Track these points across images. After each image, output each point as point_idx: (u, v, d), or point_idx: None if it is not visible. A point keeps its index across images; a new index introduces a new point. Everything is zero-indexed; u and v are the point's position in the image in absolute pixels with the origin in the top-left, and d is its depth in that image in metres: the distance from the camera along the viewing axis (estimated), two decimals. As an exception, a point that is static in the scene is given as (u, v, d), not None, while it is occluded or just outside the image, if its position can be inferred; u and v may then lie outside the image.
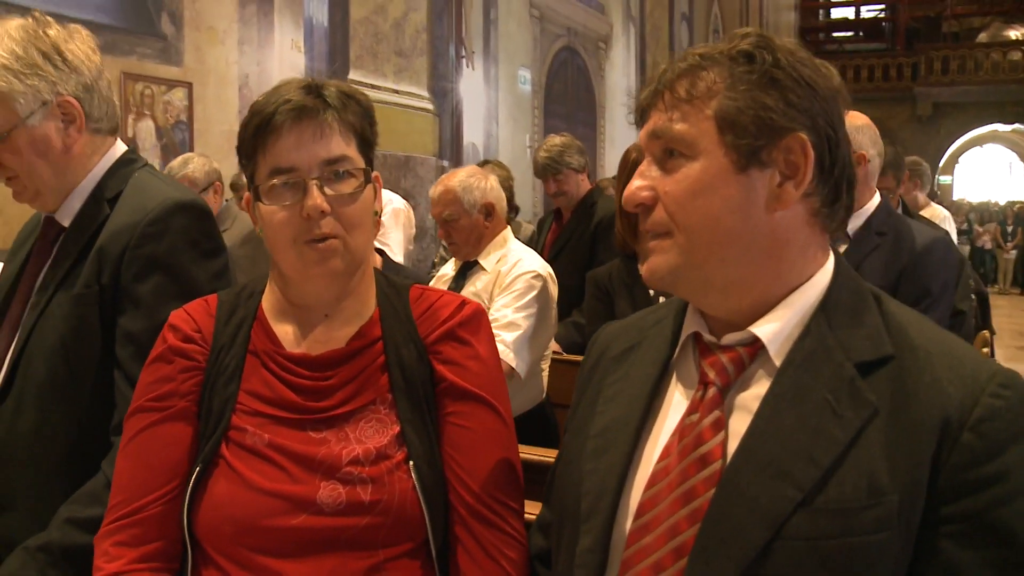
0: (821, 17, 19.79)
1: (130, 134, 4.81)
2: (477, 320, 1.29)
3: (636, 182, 0.96)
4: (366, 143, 1.25)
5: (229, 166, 5.03)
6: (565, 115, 9.11)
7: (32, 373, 1.50)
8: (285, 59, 5.71)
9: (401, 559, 1.19)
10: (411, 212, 4.63)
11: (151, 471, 1.22)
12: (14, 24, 1.50)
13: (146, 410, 1.25)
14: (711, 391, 0.94)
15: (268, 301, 1.29)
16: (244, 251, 3.62)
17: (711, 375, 0.95)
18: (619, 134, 10.23)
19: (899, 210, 3.46)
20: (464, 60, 7.53)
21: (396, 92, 6.70)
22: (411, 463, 1.19)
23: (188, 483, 1.19)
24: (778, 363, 0.93)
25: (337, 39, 6.15)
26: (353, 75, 6.29)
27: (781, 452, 0.88)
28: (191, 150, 5.08)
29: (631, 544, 0.94)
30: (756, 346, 0.94)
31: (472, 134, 7.47)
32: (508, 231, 2.97)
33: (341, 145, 1.20)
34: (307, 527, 1.16)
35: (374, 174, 1.26)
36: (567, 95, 9.17)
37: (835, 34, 20.46)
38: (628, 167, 2.61)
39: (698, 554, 0.89)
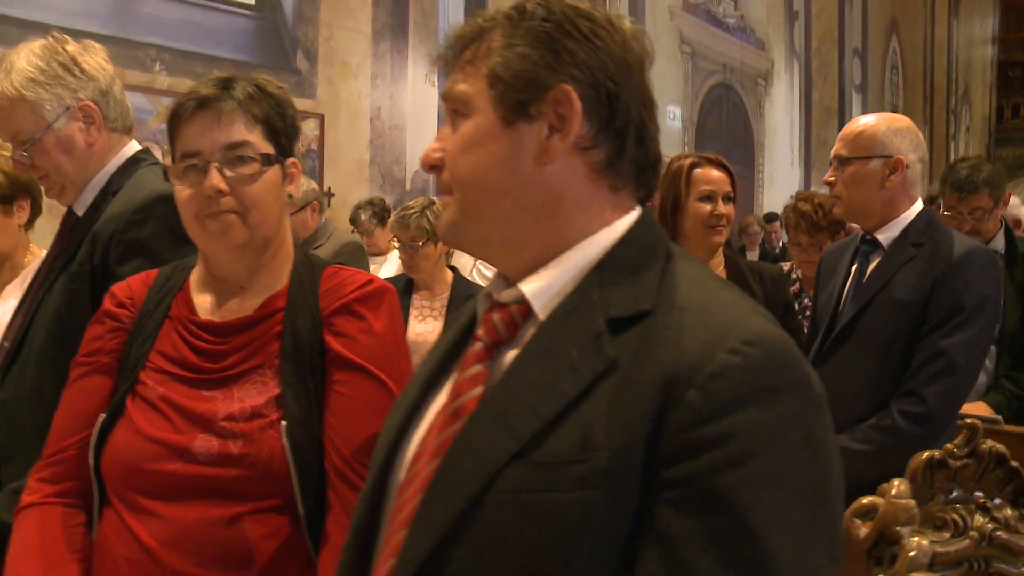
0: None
1: (263, 161, 5.12)
2: (379, 297, 1.41)
3: (432, 144, 0.96)
4: (275, 132, 1.38)
5: (359, 193, 5.28)
6: (719, 152, 8.81)
7: (34, 340, 1.73)
8: (418, 92, 5.93)
9: (265, 514, 1.28)
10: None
11: (74, 417, 1.39)
12: (37, 44, 1.78)
13: (79, 364, 1.43)
14: (477, 346, 0.93)
15: (195, 274, 1.44)
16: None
17: (480, 332, 0.94)
18: (780, 173, 9.87)
19: (1002, 232, 3.12)
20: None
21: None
22: (283, 424, 1.28)
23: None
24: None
25: (472, 74, 6.32)
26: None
27: (513, 405, 0.85)
28: (321, 177, 5.36)
29: (398, 497, 0.93)
30: (527, 304, 0.90)
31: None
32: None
33: (242, 131, 1.33)
34: (182, 473, 1.27)
35: (289, 160, 1.40)
36: (721, 132, 8.96)
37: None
38: (670, 175, 2.52)
39: (423, 505, 0.87)
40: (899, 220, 2.18)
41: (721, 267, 2.52)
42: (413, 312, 3.36)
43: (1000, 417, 2.79)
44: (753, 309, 0.87)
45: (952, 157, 14.88)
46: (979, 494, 1.75)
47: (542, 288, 0.90)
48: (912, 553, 1.15)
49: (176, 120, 1.36)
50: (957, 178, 3.08)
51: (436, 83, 6.08)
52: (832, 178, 2.25)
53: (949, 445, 1.73)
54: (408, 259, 3.34)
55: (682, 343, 0.81)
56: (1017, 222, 4.60)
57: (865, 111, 11.96)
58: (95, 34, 4.42)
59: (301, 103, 5.30)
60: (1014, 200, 4.73)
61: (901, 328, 2.08)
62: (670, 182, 2.50)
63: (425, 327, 3.32)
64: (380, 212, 4.55)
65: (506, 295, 0.93)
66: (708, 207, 2.43)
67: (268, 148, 1.36)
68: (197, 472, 1.27)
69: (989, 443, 1.72)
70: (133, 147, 1.90)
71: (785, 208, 3.78)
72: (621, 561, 0.79)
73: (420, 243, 3.28)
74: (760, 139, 9.64)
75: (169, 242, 1.65)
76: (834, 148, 2.27)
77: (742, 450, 0.77)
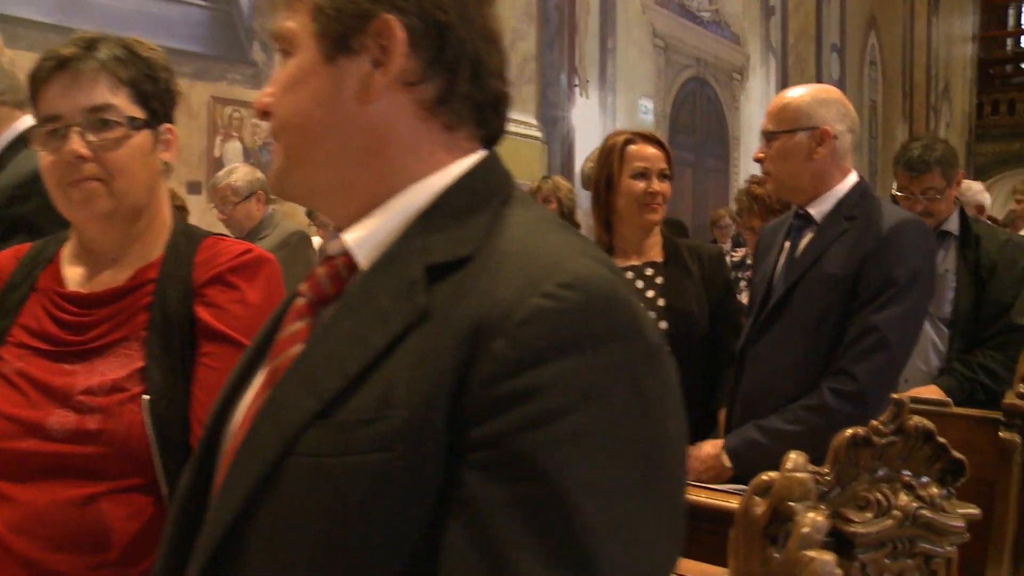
0: (1010, 47, 18.32)
1: (217, 154, 5.04)
2: (255, 267, 1.35)
3: (265, 88, 0.89)
4: (145, 96, 1.32)
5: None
6: (693, 146, 8.83)
7: None
8: (380, 85, 5.85)
9: (126, 494, 1.22)
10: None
11: None
12: None
13: None
14: (299, 302, 0.87)
15: (68, 246, 1.39)
16: (280, 255, 3.66)
17: (304, 287, 0.87)
18: (756, 167, 9.76)
19: (956, 214, 3.05)
20: (577, 89, 7.46)
21: (501, 120, 6.71)
22: (145, 398, 1.23)
23: None
24: None
25: (436, 66, 6.24)
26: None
27: (321, 362, 0.77)
28: (278, 170, 5.28)
29: (220, 467, 0.86)
30: (351, 255, 0.84)
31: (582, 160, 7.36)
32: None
33: (105, 94, 1.28)
34: (35, 451, 1.21)
35: (163, 126, 1.35)
36: (695, 126, 8.90)
37: (1025, 67, 18.92)
38: (604, 153, 2.45)
39: (229, 471, 0.80)
40: (831, 193, 2.11)
41: (658, 247, 2.44)
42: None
43: (950, 400, 2.72)
44: (582, 251, 0.77)
45: (932, 153, 14.87)
46: (907, 472, 1.68)
47: (364, 237, 0.83)
48: (805, 529, 1.07)
49: (35, 82, 1.30)
50: (909, 158, 3.02)
51: (399, 75, 5.99)
52: (761, 155, 2.17)
53: (874, 422, 1.65)
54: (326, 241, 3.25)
55: (495, 289, 0.72)
56: (980, 208, 4.56)
57: (843, 106, 11.96)
58: (36, 22, 4.33)
59: (257, 95, 5.21)
60: (976, 186, 4.69)
61: (832, 304, 2.00)
62: (604, 159, 2.43)
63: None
64: None
65: (332, 247, 0.86)
66: (642, 184, 2.36)
67: (137, 112, 1.30)
68: (51, 450, 1.21)
69: (916, 419, 1.65)
70: (26, 122, 1.84)
71: (739, 192, 3.69)
72: (428, 531, 0.70)
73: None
74: (735, 133, 9.58)
75: (53, 217, 1.59)
76: (761, 124, 2.20)
77: (552, 406, 0.68)
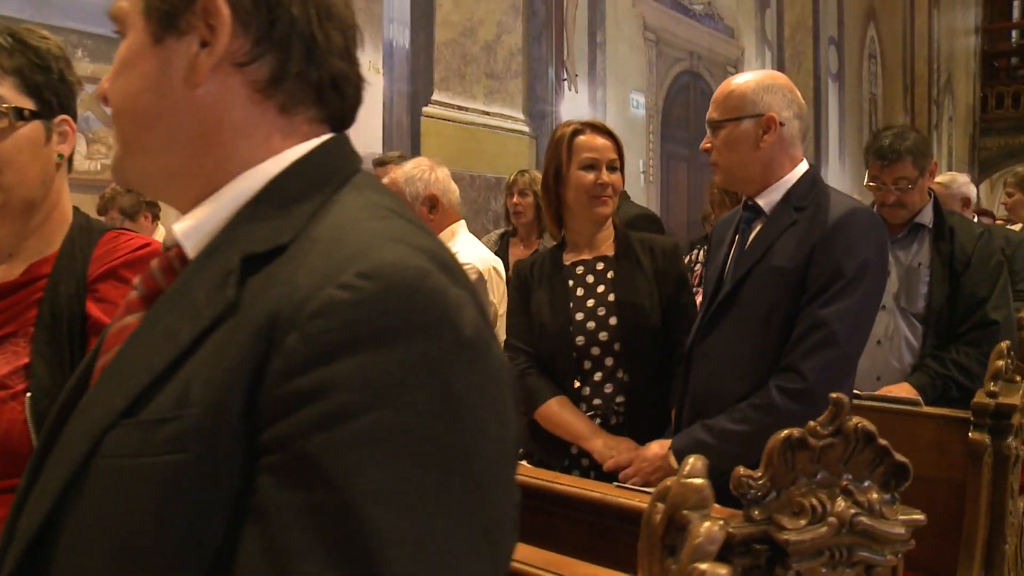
0: (1015, 39, 18.11)
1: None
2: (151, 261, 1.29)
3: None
4: (35, 86, 1.29)
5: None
6: (687, 140, 8.73)
7: None
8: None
9: (6, 495, 1.10)
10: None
11: None
12: None
13: None
14: (131, 296, 0.84)
15: None
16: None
17: (136, 279, 0.85)
18: (752, 162, 9.67)
19: (930, 206, 2.96)
20: (566, 83, 7.37)
21: (487, 114, 6.63)
22: (28, 395, 1.20)
23: None
24: None
25: (420, 61, 6.17)
26: (438, 96, 6.28)
27: (133, 358, 0.74)
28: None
29: None
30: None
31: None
32: (460, 225, 2.78)
33: None
34: None
35: (60, 118, 1.32)
36: (689, 120, 8.79)
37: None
38: (553, 144, 2.37)
39: (43, 474, 0.77)
40: (780, 183, 2.02)
41: (610, 240, 2.36)
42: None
43: (919, 399, 2.63)
44: (401, 239, 0.71)
45: (936, 147, 14.73)
46: (848, 476, 1.60)
47: (193, 227, 0.79)
48: (697, 540, 0.99)
49: None
50: (880, 146, 2.93)
51: (381, 70, 5.91)
52: (708, 144, 2.09)
53: (812, 423, 1.57)
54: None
55: (295, 279, 0.67)
56: (966, 200, 4.46)
57: (842, 99, 11.81)
58: (8, 18, 4.26)
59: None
60: (962, 178, 4.58)
61: (781, 298, 1.92)
62: (552, 151, 2.35)
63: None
64: None
65: (167, 238, 0.83)
66: (591, 176, 2.28)
67: (25, 103, 1.28)
68: None
69: (856, 420, 1.56)
70: None
71: (710, 184, 3.60)
72: (230, 539, 0.65)
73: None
74: (731, 128, 9.46)
75: None
76: (708, 114, 2.12)
77: (342, 406, 0.62)
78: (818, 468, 1.56)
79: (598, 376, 2.25)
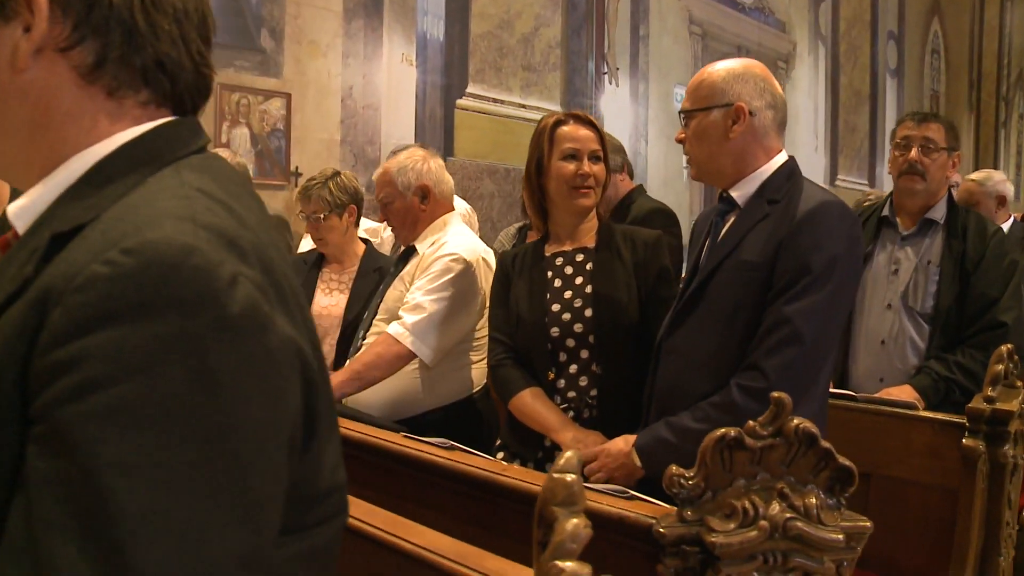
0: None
1: (224, 140, 5.05)
2: None
3: None
4: None
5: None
6: (732, 137, 8.57)
7: None
8: (394, 71, 5.79)
9: None
10: (473, 216, 4.48)
11: None
12: None
13: None
14: None
15: None
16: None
17: None
18: (803, 159, 9.41)
19: (944, 201, 2.85)
20: (606, 76, 7.31)
21: (523, 107, 6.61)
22: None
23: None
24: None
25: (455, 53, 6.17)
26: (472, 88, 6.28)
27: None
28: (287, 157, 5.27)
29: None
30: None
31: (612, 153, 7.22)
32: (452, 216, 2.76)
33: None
34: None
35: None
36: (735, 116, 8.62)
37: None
38: (535, 135, 2.34)
39: None
40: (755, 175, 1.96)
41: (593, 232, 2.32)
42: (320, 285, 3.23)
43: (916, 402, 2.54)
44: (186, 216, 0.72)
45: (1001, 145, 14.21)
46: (790, 479, 1.55)
47: (24, 207, 0.82)
48: (559, 538, 0.96)
49: None
50: (914, 112, 2.94)
51: (414, 62, 5.93)
52: (682, 135, 2.04)
53: (751, 423, 1.53)
54: (313, 232, 3.21)
55: (75, 255, 0.69)
56: (1002, 199, 4.29)
57: (900, 96, 11.48)
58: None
59: (266, 82, 5.21)
60: (998, 175, 4.41)
61: (748, 294, 1.86)
62: (535, 142, 2.33)
63: (330, 300, 3.18)
64: None
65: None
66: (572, 167, 2.24)
67: None
68: None
69: (797, 421, 1.52)
70: None
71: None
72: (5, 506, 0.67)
73: (322, 215, 3.14)
74: (780, 124, 9.25)
75: None
76: (681, 104, 2.07)
77: (92, 377, 0.64)
78: (757, 470, 1.51)
79: (573, 368, 2.21)
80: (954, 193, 4.59)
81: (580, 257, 2.29)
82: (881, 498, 2.50)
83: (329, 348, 3.13)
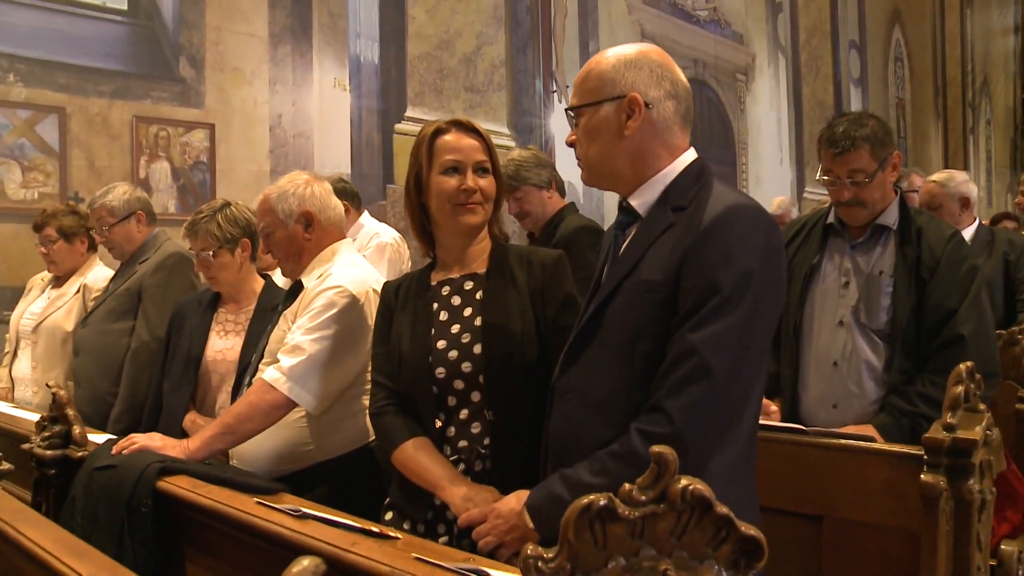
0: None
1: (142, 175, 4.74)
2: None
3: None
4: None
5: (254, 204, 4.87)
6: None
7: None
8: (326, 97, 5.51)
9: None
10: (403, 246, 4.18)
11: None
12: None
13: None
14: None
15: None
16: (155, 279, 3.33)
17: None
18: (767, 172, 9.24)
19: (895, 204, 2.56)
20: (555, 94, 7.05)
21: (469, 130, 6.32)
22: None
23: None
24: None
25: (391, 76, 5.90)
26: (412, 112, 6.01)
27: None
28: (212, 190, 4.97)
29: None
30: None
31: (567, 171, 6.95)
32: (342, 244, 2.45)
33: None
34: None
35: None
36: (696, 130, 8.32)
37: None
38: (414, 147, 2.05)
39: None
40: (657, 179, 1.66)
41: (485, 255, 2.02)
42: (215, 327, 2.91)
43: (874, 436, 2.23)
44: None
45: (971, 151, 14.08)
46: (683, 554, 1.23)
47: None
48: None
49: None
50: (832, 134, 2.53)
51: (348, 87, 5.65)
52: (572, 138, 1.74)
53: (627, 486, 1.21)
54: (204, 271, 2.89)
55: None
56: (965, 201, 4.03)
57: (866, 104, 11.29)
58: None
59: (187, 113, 4.92)
60: (960, 176, 4.15)
61: (649, 319, 1.56)
62: (413, 155, 2.03)
63: (225, 343, 2.86)
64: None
65: None
66: (454, 181, 1.94)
67: None
68: None
69: (685, 482, 1.20)
70: None
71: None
72: None
73: (211, 252, 2.82)
74: (742, 137, 9.04)
75: None
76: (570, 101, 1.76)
77: None
78: (640, 544, 1.19)
79: (464, 414, 1.90)
80: (914, 198, 4.34)
81: (469, 285, 1.99)
82: (835, 543, 2.19)
83: (225, 396, 2.81)
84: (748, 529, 1.18)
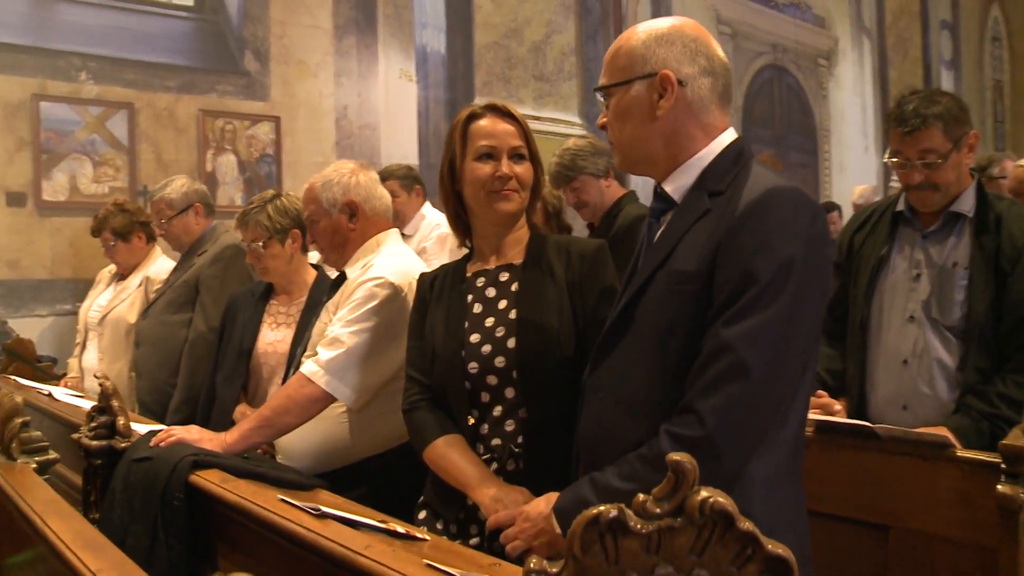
0: None
1: (209, 168, 4.80)
2: None
3: None
4: None
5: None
6: (772, 139, 8.08)
7: None
8: (392, 89, 5.50)
9: None
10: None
11: None
12: None
13: None
14: None
15: None
16: (212, 271, 3.35)
17: None
18: (852, 160, 8.88)
19: (972, 189, 2.37)
20: (628, 84, 6.90)
21: (537, 119, 6.24)
22: None
23: None
24: None
25: (458, 66, 5.85)
26: (480, 102, 5.92)
27: None
28: (278, 182, 5.00)
29: None
30: None
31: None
32: (388, 235, 2.40)
33: None
34: None
35: None
36: (774, 118, 8.13)
37: None
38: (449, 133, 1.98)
39: None
40: (692, 162, 1.55)
41: (522, 245, 1.93)
42: (267, 319, 2.89)
43: (949, 441, 2.05)
44: None
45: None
46: (703, 573, 1.13)
47: None
48: None
49: None
50: (901, 112, 2.35)
51: (414, 77, 5.62)
52: (603, 121, 1.63)
53: (641, 497, 1.12)
54: (255, 261, 2.88)
55: None
56: (1058, 187, 3.75)
57: (959, 88, 10.77)
58: (11, 45, 4.18)
59: (252, 106, 4.96)
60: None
61: (682, 312, 1.45)
62: (447, 142, 1.96)
63: (276, 335, 2.84)
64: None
65: None
66: (488, 168, 1.86)
67: None
68: None
69: (705, 495, 1.10)
70: None
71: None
72: None
73: (261, 243, 2.81)
74: (824, 124, 8.71)
75: None
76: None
77: None
78: (656, 561, 1.10)
79: (497, 411, 1.82)
80: (1003, 185, 4.06)
81: (504, 276, 1.90)
82: (902, 555, 2.04)
83: (276, 389, 2.80)
84: (776, 548, 1.07)
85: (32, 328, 4.17)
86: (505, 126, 1.90)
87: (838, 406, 2.37)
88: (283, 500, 1.65)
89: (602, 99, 1.63)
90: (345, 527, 1.51)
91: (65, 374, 3.83)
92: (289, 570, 1.60)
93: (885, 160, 2.48)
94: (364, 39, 5.40)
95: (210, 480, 1.84)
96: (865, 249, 2.49)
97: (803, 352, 1.43)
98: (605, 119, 1.63)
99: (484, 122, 1.90)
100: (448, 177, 1.93)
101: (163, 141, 4.65)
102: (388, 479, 2.26)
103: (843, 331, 2.50)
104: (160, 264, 3.69)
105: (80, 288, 4.17)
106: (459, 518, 1.83)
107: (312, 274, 2.96)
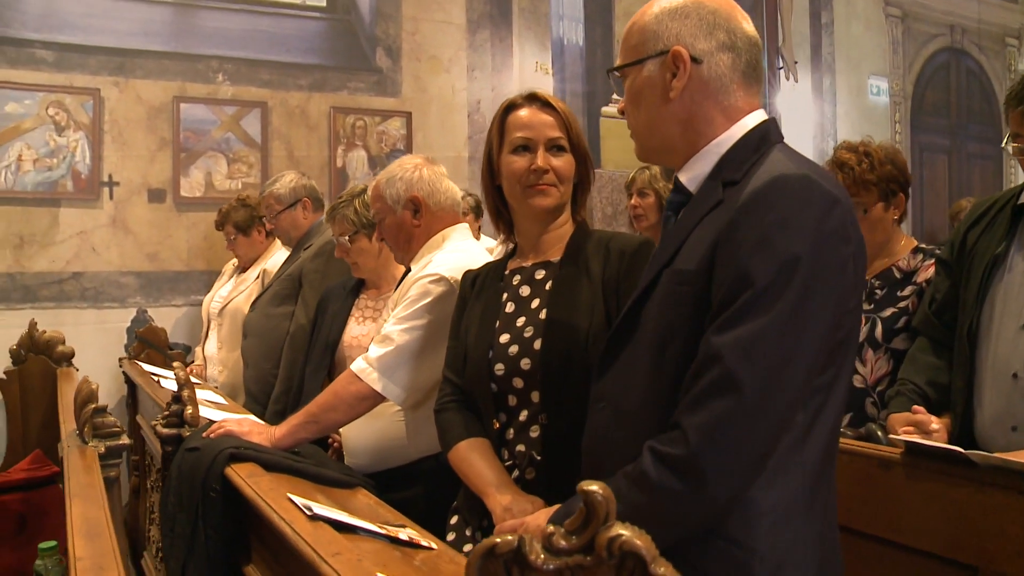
0: None
1: (339, 164, 4.93)
2: None
3: None
4: None
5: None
6: (947, 129, 7.42)
7: None
8: (528, 82, 5.44)
9: None
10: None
11: None
12: None
13: None
14: None
15: None
16: (314, 265, 3.42)
17: None
18: (1044, 151, 8.00)
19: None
20: (782, 72, 6.54)
21: (680, 112, 6.02)
22: None
23: None
24: None
25: (596, 57, 5.73)
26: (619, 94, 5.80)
27: None
28: (410, 178, 5.05)
29: None
30: None
31: (797, 147, 6.46)
32: (454, 230, 2.36)
33: None
34: None
35: None
36: (948, 105, 7.47)
37: None
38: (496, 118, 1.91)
39: None
40: (711, 148, 1.39)
41: (562, 242, 1.82)
42: (355, 313, 2.91)
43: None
44: None
45: None
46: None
47: None
48: None
49: None
50: (1021, 91, 2.05)
51: (550, 70, 5.55)
52: (622, 106, 1.50)
53: (551, 528, 1.00)
54: (344, 255, 2.90)
55: None
56: None
57: None
58: (157, 52, 4.46)
59: (384, 102, 5.04)
60: None
61: (679, 317, 1.30)
62: (488, 134, 1.88)
63: (362, 329, 2.86)
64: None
65: None
66: (523, 161, 1.77)
67: None
68: None
69: (615, 532, 0.97)
70: None
71: (825, 162, 2.78)
72: None
73: (348, 237, 2.83)
74: (1010, 112, 7.90)
75: None
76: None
77: None
78: (573, 602, 0.98)
79: (523, 416, 1.73)
80: None
81: (540, 274, 1.80)
82: (993, 601, 1.77)
83: (359, 383, 2.81)
84: (678, 594, 0.92)
85: (168, 317, 4.42)
86: (544, 117, 1.79)
87: (936, 424, 2.08)
88: (289, 498, 1.62)
89: (617, 83, 1.49)
90: (331, 530, 1.46)
91: (192, 361, 4.04)
92: (296, 568, 1.58)
93: (1003, 146, 2.18)
94: (499, 32, 5.39)
95: (239, 474, 1.84)
96: (979, 246, 2.19)
97: (813, 365, 1.24)
98: (622, 105, 1.50)
99: (522, 113, 1.81)
100: (487, 171, 1.85)
101: (295, 138, 4.81)
102: (442, 480, 2.21)
103: (951, 339, 2.21)
104: (277, 257, 3.81)
105: (212, 280, 4.38)
106: (483, 525, 1.75)
107: (401, 269, 2.95)
